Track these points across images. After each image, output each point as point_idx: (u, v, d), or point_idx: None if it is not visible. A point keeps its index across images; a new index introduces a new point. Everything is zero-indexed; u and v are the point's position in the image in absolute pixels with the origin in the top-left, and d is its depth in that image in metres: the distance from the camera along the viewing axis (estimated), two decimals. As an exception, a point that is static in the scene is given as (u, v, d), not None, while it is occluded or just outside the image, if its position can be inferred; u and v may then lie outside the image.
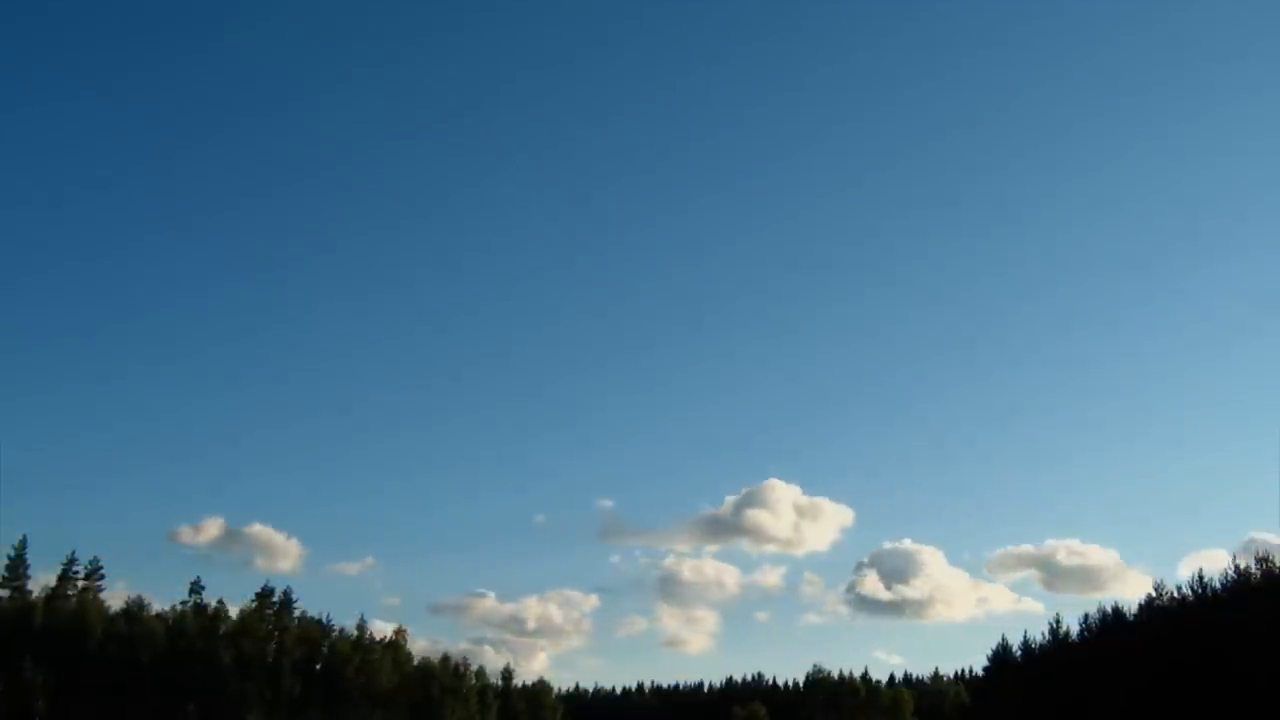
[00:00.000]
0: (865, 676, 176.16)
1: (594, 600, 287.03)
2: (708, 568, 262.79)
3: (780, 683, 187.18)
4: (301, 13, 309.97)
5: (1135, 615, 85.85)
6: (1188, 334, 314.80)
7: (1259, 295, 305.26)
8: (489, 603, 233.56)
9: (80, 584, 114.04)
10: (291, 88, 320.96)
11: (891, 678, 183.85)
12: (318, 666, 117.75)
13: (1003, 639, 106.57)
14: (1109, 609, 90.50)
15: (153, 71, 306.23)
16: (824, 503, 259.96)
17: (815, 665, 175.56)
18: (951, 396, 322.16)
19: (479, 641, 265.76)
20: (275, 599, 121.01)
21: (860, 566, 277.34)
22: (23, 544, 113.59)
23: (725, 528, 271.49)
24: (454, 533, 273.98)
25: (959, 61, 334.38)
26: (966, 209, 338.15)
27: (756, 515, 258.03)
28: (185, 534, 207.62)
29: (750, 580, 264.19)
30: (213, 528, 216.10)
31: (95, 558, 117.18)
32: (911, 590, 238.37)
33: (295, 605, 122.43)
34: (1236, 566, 74.94)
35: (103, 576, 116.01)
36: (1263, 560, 72.90)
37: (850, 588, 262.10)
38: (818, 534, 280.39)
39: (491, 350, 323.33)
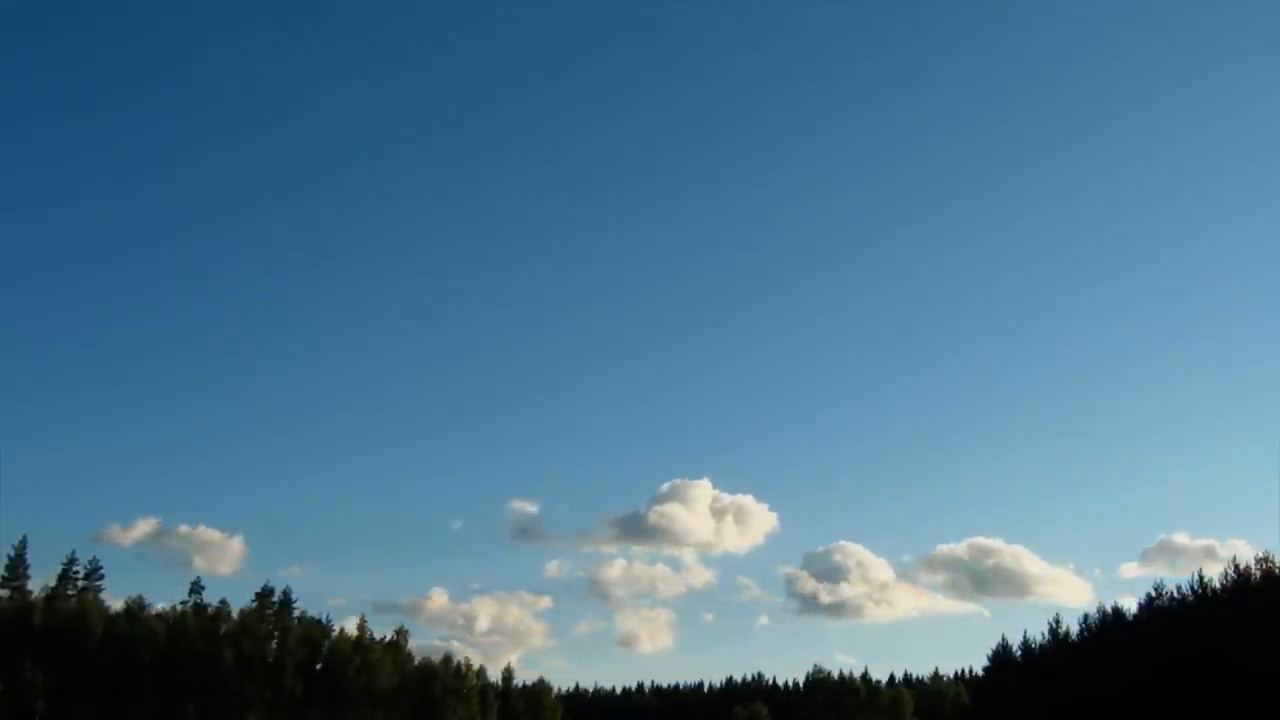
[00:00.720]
0: (865, 676, 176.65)
1: (546, 601, 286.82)
2: (637, 570, 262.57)
3: (780, 683, 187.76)
4: (302, 16, 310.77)
5: (1135, 615, 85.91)
6: (1107, 340, 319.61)
7: (1178, 301, 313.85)
8: (438, 603, 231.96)
9: (80, 584, 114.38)
10: (292, 92, 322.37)
11: (891, 678, 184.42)
12: (318, 666, 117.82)
13: (1003, 639, 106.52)
14: (1109, 609, 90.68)
15: (154, 76, 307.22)
16: (748, 503, 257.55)
17: (815, 665, 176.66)
18: (872, 399, 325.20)
19: (445, 640, 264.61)
20: (275, 599, 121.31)
21: (792, 567, 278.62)
22: (23, 544, 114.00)
23: (646, 530, 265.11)
24: (378, 534, 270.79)
25: (957, 69, 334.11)
26: (892, 215, 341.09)
27: (679, 517, 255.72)
28: (114, 534, 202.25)
29: (686, 582, 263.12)
30: (145, 526, 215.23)
31: (95, 558, 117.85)
32: (848, 592, 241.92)
33: (295, 605, 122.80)
34: (1236, 566, 75.10)
35: (102, 576, 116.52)
36: (1263, 560, 73.06)
37: (787, 589, 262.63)
38: (743, 536, 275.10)
39: (408, 353, 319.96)
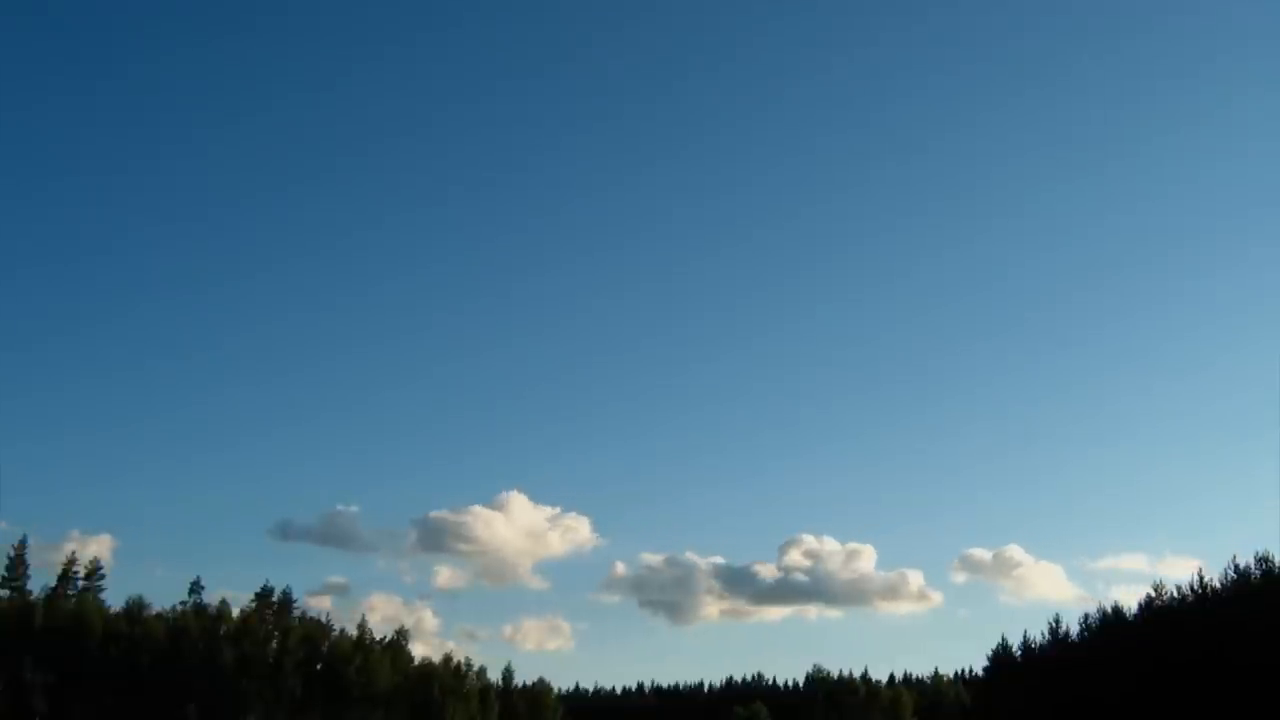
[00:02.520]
0: (865, 676, 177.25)
1: (428, 602, 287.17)
2: (477, 574, 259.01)
3: (781, 682, 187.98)
4: (296, 9, 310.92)
5: (1135, 615, 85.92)
6: (933, 350, 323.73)
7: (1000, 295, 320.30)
8: (322, 603, 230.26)
9: (80, 584, 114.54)
10: (286, 85, 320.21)
11: (891, 677, 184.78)
12: (318, 666, 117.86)
13: (1002, 639, 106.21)
14: (1109, 609, 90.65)
15: (148, 69, 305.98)
16: (563, 514, 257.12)
17: (815, 665, 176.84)
18: (689, 406, 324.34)
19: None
20: (275, 599, 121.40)
21: (621, 572, 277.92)
22: (23, 544, 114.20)
23: (464, 536, 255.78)
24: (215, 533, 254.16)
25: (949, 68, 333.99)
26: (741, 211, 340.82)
27: (495, 525, 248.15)
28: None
29: (528, 586, 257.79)
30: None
31: (95, 558, 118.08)
32: (679, 598, 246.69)
33: (295, 605, 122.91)
34: (1236, 566, 75.09)
35: (103, 576, 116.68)
36: (1263, 560, 73.06)
37: (638, 595, 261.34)
38: (562, 545, 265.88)
39: (232, 350, 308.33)
